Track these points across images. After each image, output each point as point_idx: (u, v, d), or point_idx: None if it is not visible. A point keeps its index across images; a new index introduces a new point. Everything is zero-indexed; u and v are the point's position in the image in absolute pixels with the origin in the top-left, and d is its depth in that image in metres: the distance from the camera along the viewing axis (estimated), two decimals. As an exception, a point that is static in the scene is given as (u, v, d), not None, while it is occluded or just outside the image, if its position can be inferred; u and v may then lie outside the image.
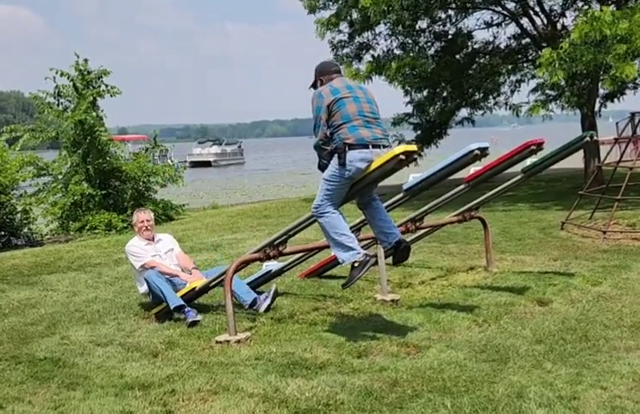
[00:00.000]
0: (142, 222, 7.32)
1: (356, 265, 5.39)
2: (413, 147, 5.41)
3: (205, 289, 6.85)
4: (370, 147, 5.31)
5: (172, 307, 6.54)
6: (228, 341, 5.71)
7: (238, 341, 5.70)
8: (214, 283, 6.76)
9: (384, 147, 5.40)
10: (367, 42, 19.44)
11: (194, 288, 6.79)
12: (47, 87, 16.71)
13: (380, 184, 5.83)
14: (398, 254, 5.67)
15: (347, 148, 5.28)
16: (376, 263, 6.48)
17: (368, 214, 5.79)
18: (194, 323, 6.33)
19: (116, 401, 4.52)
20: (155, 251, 7.21)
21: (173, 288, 6.80)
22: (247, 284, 7.45)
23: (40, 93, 16.69)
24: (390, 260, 5.92)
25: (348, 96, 5.40)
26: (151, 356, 5.53)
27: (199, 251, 10.83)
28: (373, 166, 5.33)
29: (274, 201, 21.67)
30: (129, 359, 5.48)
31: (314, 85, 5.76)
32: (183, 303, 6.58)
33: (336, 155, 5.34)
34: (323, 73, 5.69)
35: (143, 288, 7.00)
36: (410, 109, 21.62)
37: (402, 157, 5.26)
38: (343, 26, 18.91)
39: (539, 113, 16.84)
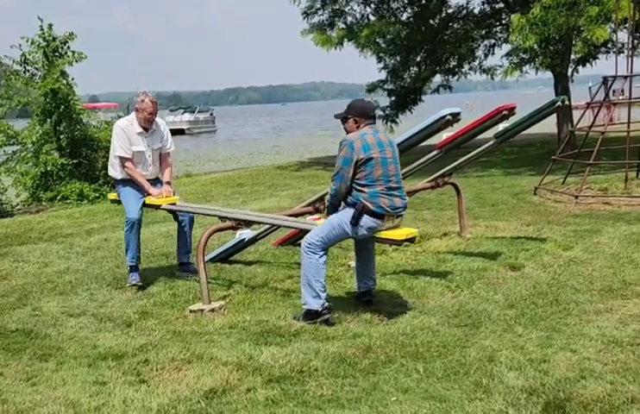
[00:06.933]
0: (150, 114, 6.71)
1: (313, 312, 5.35)
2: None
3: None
4: (385, 216, 5.33)
5: (127, 263, 6.75)
6: (201, 311, 5.70)
7: (212, 310, 5.70)
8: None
9: (398, 216, 5.48)
10: (340, 9, 19.29)
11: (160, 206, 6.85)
12: (12, 54, 16.34)
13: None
14: (361, 299, 5.78)
15: (363, 211, 5.26)
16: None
17: (360, 253, 5.78)
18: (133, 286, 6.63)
19: (90, 371, 4.50)
20: (145, 146, 6.80)
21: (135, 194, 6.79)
22: (220, 253, 7.44)
23: (7, 59, 16.29)
24: None
25: (377, 156, 5.29)
26: (124, 326, 5.51)
27: (172, 221, 10.70)
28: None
29: (248, 169, 21.55)
30: (102, 329, 5.45)
31: (344, 119, 5.57)
32: (135, 264, 6.72)
33: (352, 212, 5.29)
34: (362, 116, 5.48)
35: (114, 173, 6.86)
36: (383, 75, 21.61)
37: None
38: None
39: (514, 75, 16.91)
